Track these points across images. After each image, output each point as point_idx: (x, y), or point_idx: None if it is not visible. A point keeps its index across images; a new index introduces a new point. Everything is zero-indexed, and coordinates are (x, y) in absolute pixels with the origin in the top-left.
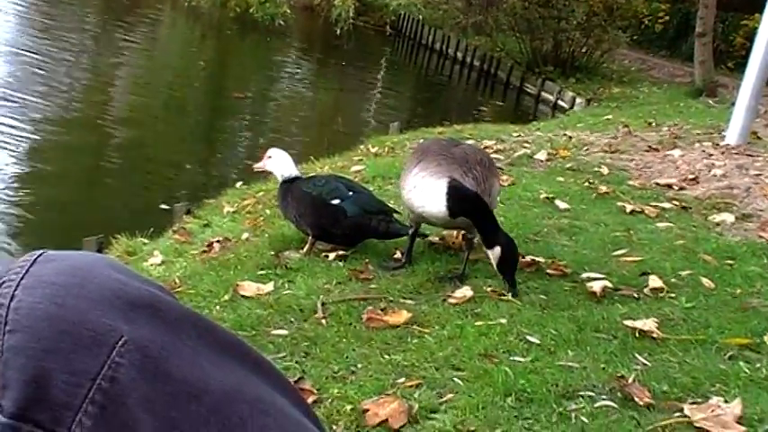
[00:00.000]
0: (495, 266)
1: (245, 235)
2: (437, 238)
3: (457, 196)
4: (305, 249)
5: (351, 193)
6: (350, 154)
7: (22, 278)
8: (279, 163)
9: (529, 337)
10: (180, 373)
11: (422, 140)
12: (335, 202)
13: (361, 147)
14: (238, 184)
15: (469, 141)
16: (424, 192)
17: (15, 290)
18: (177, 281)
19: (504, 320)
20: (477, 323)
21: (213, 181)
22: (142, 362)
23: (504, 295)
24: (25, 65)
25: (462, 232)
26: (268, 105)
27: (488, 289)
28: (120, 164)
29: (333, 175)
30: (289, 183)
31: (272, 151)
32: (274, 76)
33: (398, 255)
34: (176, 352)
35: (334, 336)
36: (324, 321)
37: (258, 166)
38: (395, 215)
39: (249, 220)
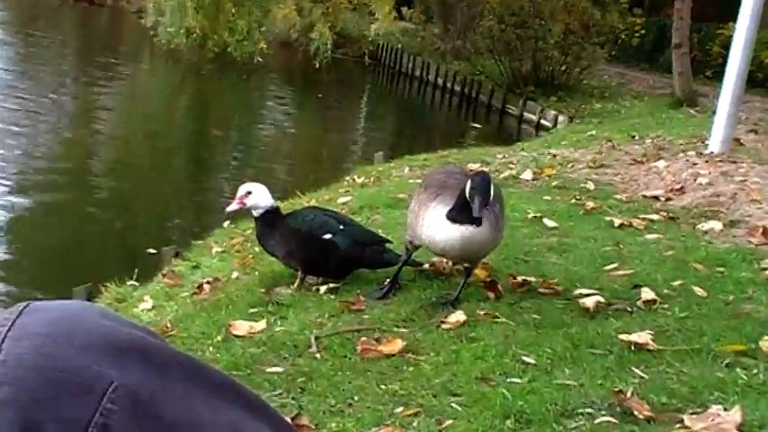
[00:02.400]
0: (468, 195)
1: (234, 274)
2: (427, 265)
3: None
4: (295, 285)
5: (342, 226)
6: (336, 186)
7: (8, 330)
8: (260, 196)
9: (525, 358)
10: (171, 415)
11: (430, 170)
12: (327, 236)
13: (347, 178)
14: (226, 224)
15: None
16: (447, 230)
17: (2, 342)
18: (169, 325)
19: (498, 342)
20: (472, 347)
21: (200, 222)
22: (133, 407)
23: (499, 317)
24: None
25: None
26: (251, 143)
27: (482, 312)
28: (106, 211)
29: (317, 208)
30: (269, 218)
31: (248, 186)
32: (256, 113)
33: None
34: (167, 395)
35: (330, 369)
36: (318, 355)
37: (232, 207)
38: (387, 245)
39: (238, 258)
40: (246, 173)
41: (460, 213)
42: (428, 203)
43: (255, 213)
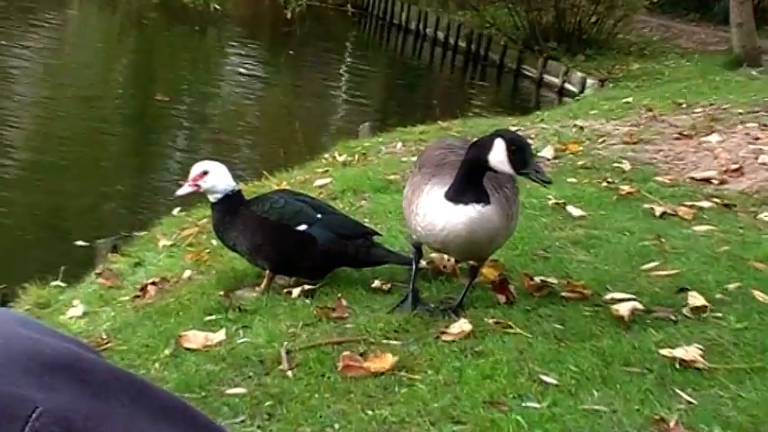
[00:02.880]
0: (507, 166)
1: (186, 273)
2: (425, 263)
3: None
4: (262, 286)
5: (319, 215)
6: (312, 165)
7: None
8: (218, 177)
9: (544, 377)
10: None
11: (427, 145)
12: (302, 227)
13: (326, 156)
14: (175, 211)
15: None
16: (447, 214)
17: None
18: (104, 336)
19: (511, 358)
20: (478, 363)
21: (144, 209)
22: None
23: (512, 327)
24: None
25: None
26: (206, 112)
27: (491, 321)
28: (24, 194)
29: (289, 192)
30: (230, 204)
31: (204, 165)
32: (212, 74)
33: (382, 284)
34: (104, 420)
35: (304, 390)
36: (290, 373)
37: (184, 190)
38: (375, 238)
39: (191, 254)
40: (201, 149)
41: (464, 192)
42: (422, 186)
43: (213, 198)
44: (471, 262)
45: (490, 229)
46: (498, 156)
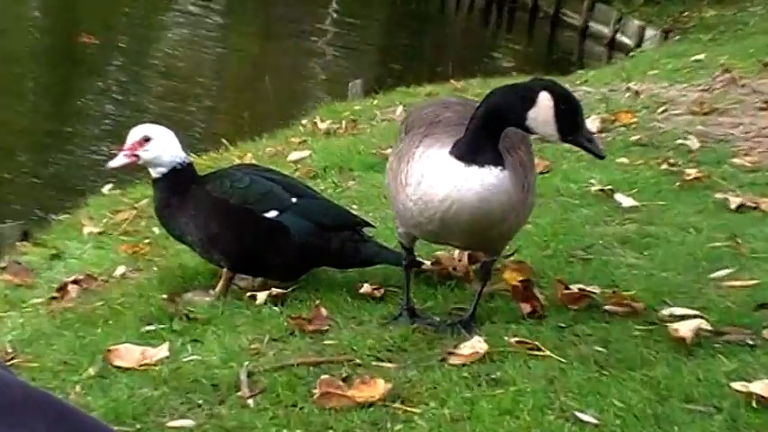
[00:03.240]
0: (552, 127)
1: (119, 269)
2: (429, 263)
3: None
4: (217, 289)
5: (294, 198)
6: (286, 134)
7: None
8: (163, 145)
9: (580, 414)
10: None
11: (415, 104)
12: (271, 214)
13: (304, 122)
14: (106, 188)
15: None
16: (454, 177)
17: None
18: (9, 349)
19: (538, 388)
20: (496, 394)
21: (65, 186)
22: None
23: (540, 349)
24: None
25: (467, 251)
26: (148, 59)
27: (512, 340)
28: None
29: (256, 168)
30: (178, 181)
31: (146, 129)
32: (157, 11)
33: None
34: None
35: (270, 425)
36: (251, 402)
37: (118, 161)
38: (366, 230)
39: (126, 244)
40: (142, 109)
41: (477, 150)
42: (412, 150)
43: (155, 173)
44: (481, 255)
45: (505, 202)
46: (542, 113)
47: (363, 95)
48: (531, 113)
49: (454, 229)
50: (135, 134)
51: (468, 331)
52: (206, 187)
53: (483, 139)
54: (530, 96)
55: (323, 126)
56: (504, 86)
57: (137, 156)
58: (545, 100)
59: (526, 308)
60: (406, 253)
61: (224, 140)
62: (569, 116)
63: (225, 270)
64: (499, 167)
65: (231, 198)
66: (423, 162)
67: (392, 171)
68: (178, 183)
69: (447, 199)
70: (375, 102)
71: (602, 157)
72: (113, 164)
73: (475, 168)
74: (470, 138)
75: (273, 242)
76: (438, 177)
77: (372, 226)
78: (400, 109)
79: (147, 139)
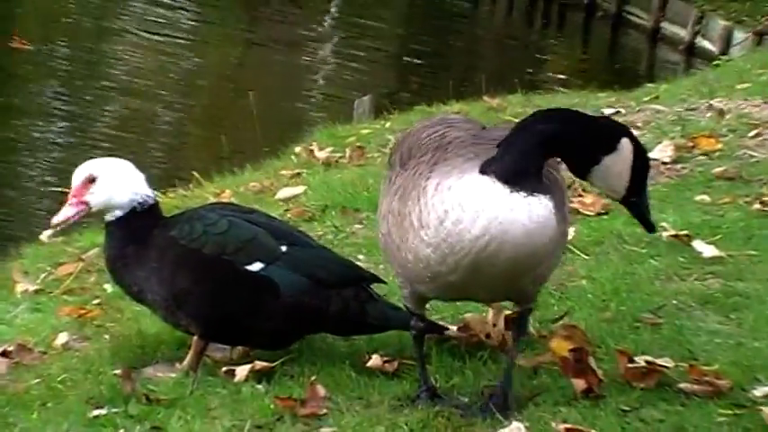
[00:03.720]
0: (623, 181)
1: (62, 338)
2: (455, 329)
3: None
4: (186, 362)
5: (284, 247)
6: (275, 165)
7: None
8: (114, 184)
9: None
10: None
11: (405, 131)
12: (255, 267)
13: (298, 150)
14: (46, 235)
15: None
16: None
17: None
18: None
19: None
20: None
21: None
22: None
23: None
24: None
25: (503, 312)
26: (102, 73)
27: (562, 427)
28: None
29: (236, 208)
30: (136, 224)
31: (90, 167)
32: (113, 15)
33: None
34: None
35: None
36: None
37: (63, 214)
38: (375, 287)
39: (70, 306)
40: (92, 137)
41: (524, 174)
42: (420, 183)
43: (110, 216)
44: (511, 306)
45: (553, 238)
46: (619, 164)
47: (373, 116)
48: (608, 160)
49: (486, 275)
50: (78, 176)
51: (505, 415)
52: (171, 232)
53: (527, 163)
54: (609, 139)
55: (321, 155)
56: (565, 112)
57: (85, 203)
58: (627, 150)
59: (580, 385)
60: (416, 319)
61: (195, 174)
62: (642, 176)
63: (195, 338)
64: (548, 195)
65: (204, 246)
66: (445, 195)
67: (392, 215)
68: (137, 227)
69: (483, 236)
70: (387, 124)
71: (652, 231)
72: (57, 219)
73: (521, 196)
74: (513, 159)
75: (258, 302)
76: (472, 209)
77: (383, 281)
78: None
79: (91, 180)
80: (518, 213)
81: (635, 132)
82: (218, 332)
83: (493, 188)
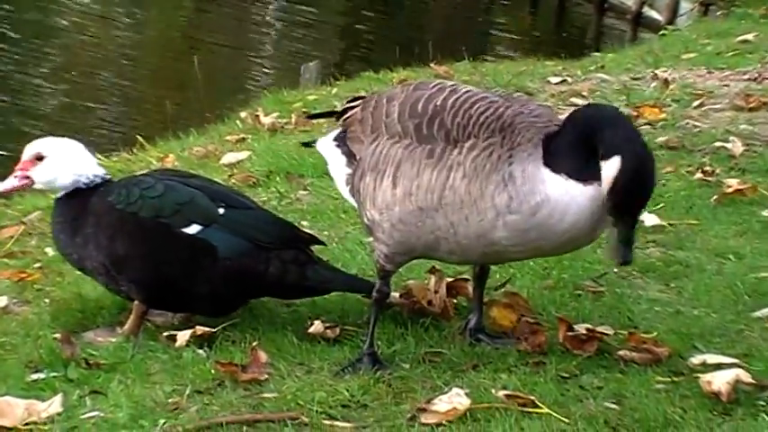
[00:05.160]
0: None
1: (1, 301)
2: (398, 295)
3: None
4: (126, 326)
5: (222, 209)
6: (220, 130)
7: None
8: (60, 164)
9: None
10: None
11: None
12: (192, 229)
13: (243, 115)
14: None
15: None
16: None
17: None
18: None
19: None
20: None
21: None
22: None
23: (537, 405)
24: None
25: (445, 279)
26: (39, 38)
27: (502, 393)
28: None
29: (174, 173)
30: (83, 197)
31: (39, 145)
32: None
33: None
34: None
35: None
36: None
37: (6, 184)
38: (315, 248)
39: (11, 270)
40: (38, 104)
41: (579, 165)
42: (506, 159)
43: (56, 194)
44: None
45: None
46: (605, 178)
47: (319, 82)
48: (604, 171)
49: (542, 253)
50: (28, 151)
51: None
52: (108, 198)
53: (590, 157)
54: (609, 148)
55: (267, 120)
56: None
57: (29, 177)
58: (611, 168)
59: (522, 346)
60: (382, 282)
61: (139, 138)
62: (622, 204)
63: (136, 303)
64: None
65: (141, 210)
66: (537, 186)
67: (451, 191)
68: (80, 200)
69: (571, 230)
70: (334, 90)
71: (621, 263)
72: (2, 187)
73: (582, 185)
74: (580, 156)
75: (196, 266)
76: (562, 204)
77: (323, 243)
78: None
79: (39, 158)
80: (589, 207)
81: (581, 97)
82: (158, 297)
83: (576, 186)
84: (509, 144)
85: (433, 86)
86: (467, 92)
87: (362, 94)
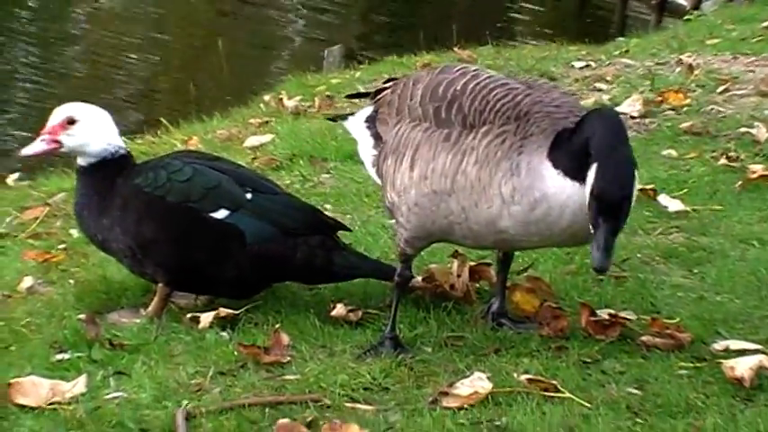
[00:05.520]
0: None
1: (26, 282)
2: (419, 279)
3: None
4: (150, 308)
5: (250, 195)
6: (243, 114)
7: None
8: (92, 130)
9: None
10: None
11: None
12: (220, 214)
13: (267, 99)
14: (12, 178)
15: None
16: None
17: None
18: None
19: None
20: None
21: None
22: None
23: (559, 390)
24: None
25: (468, 263)
26: (64, 21)
27: (524, 377)
28: None
29: (201, 156)
30: (106, 172)
31: (71, 109)
32: None
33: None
34: None
35: None
36: None
37: (34, 147)
38: (341, 234)
39: (36, 251)
40: (55, 83)
41: (578, 165)
42: (517, 149)
43: (82, 162)
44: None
45: None
46: (587, 184)
47: (342, 66)
48: (588, 179)
49: (550, 242)
50: (58, 114)
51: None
52: (136, 181)
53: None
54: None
55: (290, 104)
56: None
57: (58, 142)
58: (590, 174)
59: (543, 331)
60: (404, 266)
61: (163, 120)
62: (598, 210)
63: (160, 286)
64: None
65: (168, 194)
66: (537, 183)
67: (463, 176)
68: (105, 176)
69: (571, 226)
70: (357, 74)
71: (596, 270)
72: (28, 150)
73: (574, 182)
74: (579, 159)
75: (223, 250)
76: (560, 203)
77: (348, 229)
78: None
79: (71, 122)
80: (573, 197)
81: (606, 82)
82: (183, 280)
83: (573, 185)
84: (522, 133)
85: (457, 71)
86: (488, 77)
87: (385, 77)
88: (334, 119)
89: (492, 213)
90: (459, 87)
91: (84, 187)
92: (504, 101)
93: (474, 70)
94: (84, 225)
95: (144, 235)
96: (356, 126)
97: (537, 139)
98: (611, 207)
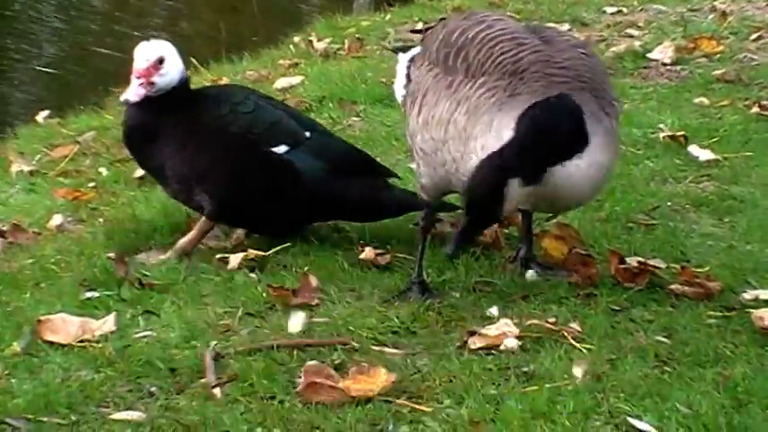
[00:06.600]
0: None
1: (56, 220)
2: (449, 226)
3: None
4: (186, 239)
5: (308, 133)
6: (273, 55)
7: None
8: (175, 65)
9: (633, 421)
10: None
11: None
12: (280, 149)
13: (297, 40)
14: (42, 116)
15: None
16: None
17: None
18: None
19: (583, 387)
20: (527, 392)
21: None
22: None
23: (585, 337)
24: None
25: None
26: None
27: (550, 323)
28: None
29: (256, 92)
30: (167, 98)
31: (158, 48)
32: None
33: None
34: None
35: (240, 421)
36: (218, 392)
37: (135, 93)
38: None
39: (65, 189)
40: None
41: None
42: (499, 105)
43: (154, 90)
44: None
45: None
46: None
47: (373, 8)
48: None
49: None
50: (146, 55)
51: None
52: (198, 108)
53: None
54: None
55: (320, 46)
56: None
57: (153, 83)
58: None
59: (571, 278)
60: (427, 211)
61: (193, 60)
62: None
63: (203, 219)
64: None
65: (231, 125)
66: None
67: (454, 126)
68: (167, 104)
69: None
70: (387, 17)
71: (449, 255)
72: (129, 97)
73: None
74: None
75: (280, 186)
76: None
77: (396, 176)
78: (420, 26)
79: (161, 61)
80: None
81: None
82: (230, 214)
83: None
84: (510, 90)
85: (478, 18)
86: (502, 29)
87: (416, 20)
88: (395, 50)
89: (470, 164)
90: (470, 36)
91: (140, 113)
92: (507, 55)
93: (494, 19)
94: (137, 148)
95: (201, 164)
96: (400, 64)
97: (521, 99)
98: (469, 204)
